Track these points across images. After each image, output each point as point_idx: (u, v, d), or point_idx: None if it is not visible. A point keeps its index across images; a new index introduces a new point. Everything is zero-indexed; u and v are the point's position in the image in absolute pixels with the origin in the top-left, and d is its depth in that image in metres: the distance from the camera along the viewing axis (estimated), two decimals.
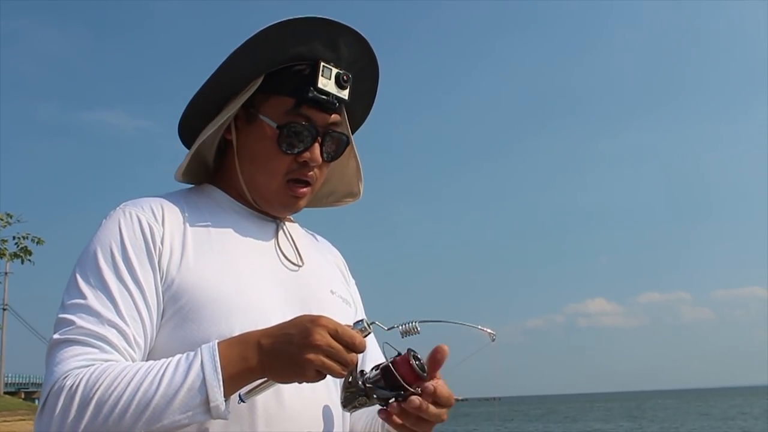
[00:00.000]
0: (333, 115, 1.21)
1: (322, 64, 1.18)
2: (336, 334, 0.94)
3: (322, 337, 0.93)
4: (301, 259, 1.25)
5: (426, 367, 1.02)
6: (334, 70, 1.19)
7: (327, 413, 1.15)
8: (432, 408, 1.02)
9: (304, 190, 1.22)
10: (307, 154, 1.18)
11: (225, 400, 0.93)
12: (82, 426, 0.91)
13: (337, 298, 1.27)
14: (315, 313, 1.00)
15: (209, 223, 1.18)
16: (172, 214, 1.15)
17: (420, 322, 1.02)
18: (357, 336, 0.96)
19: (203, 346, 0.96)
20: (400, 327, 1.01)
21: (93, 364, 0.96)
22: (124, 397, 0.91)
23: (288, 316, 1.01)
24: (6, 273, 31.45)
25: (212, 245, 1.15)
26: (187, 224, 1.16)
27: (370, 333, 0.99)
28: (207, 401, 0.92)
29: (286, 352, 0.94)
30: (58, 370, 0.96)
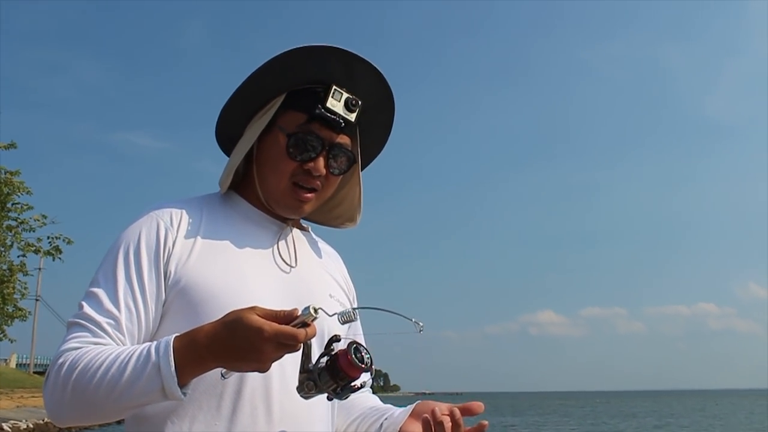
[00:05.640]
0: (341, 135, 1.32)
1: (334, 87, 1.30)
2: (279, 335, 1.01)
3: (270, 330, 1.01)
4: (295, 260, 1.36)
5: (367, 359, 1.08)
6: (345, 95, 1.31)
7: (318, 412, 1.27)
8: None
9: (309, 195, 1.33)
10: (311, 164, 1.30)
11: (181, 386, 1.06)
12: (66, 399, 1.11)
13: (335, 302, 1.38)
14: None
15: (221, 228, 1.32)
16: (189, 219, 1.30)
17: (355, 309, 1.12)
18: (299, 332, 1.02)
19: (161, 341, 1.08)
20: (340, 315, 1.10)
21: (82, 347, 1.13)
22: (95, 379, 1.08)
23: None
24: (39, 268, 35.55)
25: (219, 248, 1.29)
26: (201, 229, 1.30)
27: (315, 318, 1.04)
28: (163, 389, 1.05)
29: (240, 353, 1.04)
30: (59, 349, 1.15)
